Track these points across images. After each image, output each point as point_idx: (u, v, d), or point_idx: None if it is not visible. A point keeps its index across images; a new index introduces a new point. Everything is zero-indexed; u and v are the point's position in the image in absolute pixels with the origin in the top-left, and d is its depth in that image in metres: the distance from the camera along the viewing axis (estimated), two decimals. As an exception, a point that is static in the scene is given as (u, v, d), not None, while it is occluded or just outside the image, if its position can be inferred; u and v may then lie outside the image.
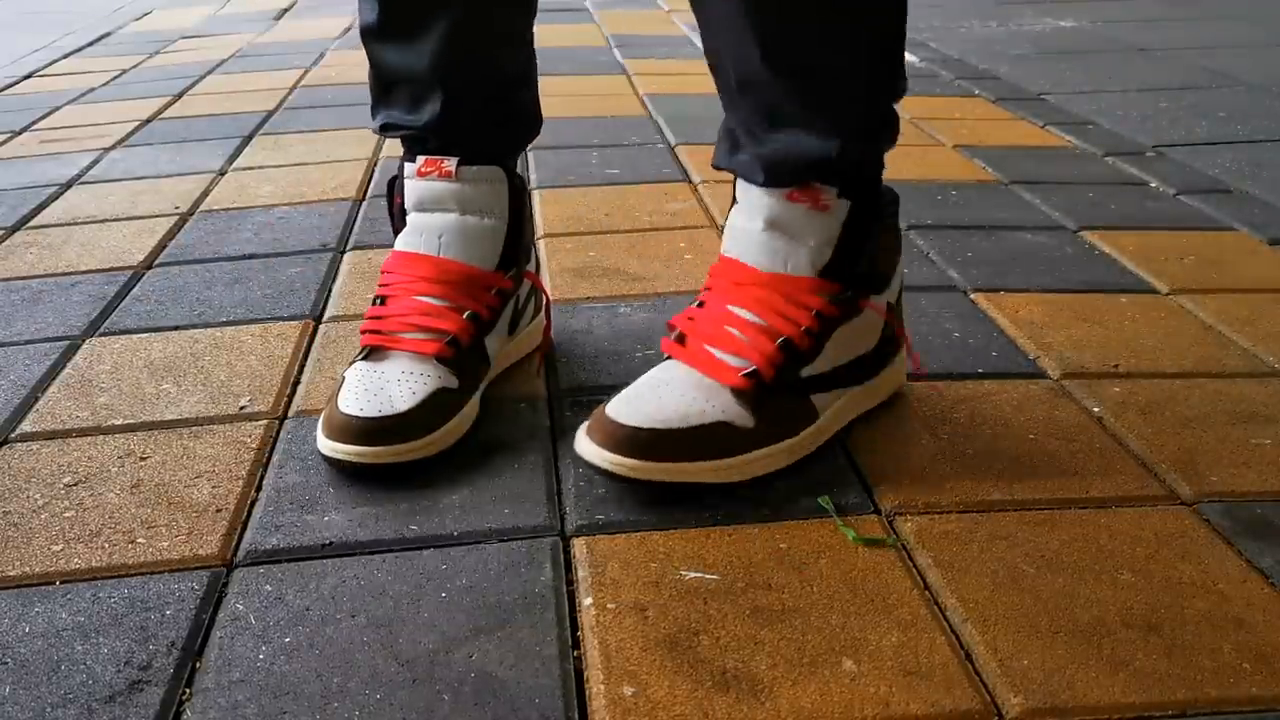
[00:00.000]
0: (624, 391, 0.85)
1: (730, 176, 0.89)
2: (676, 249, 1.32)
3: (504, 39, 0.97)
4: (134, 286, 1.24)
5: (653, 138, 1.81)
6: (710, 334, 0.85)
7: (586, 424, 0.83)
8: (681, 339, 0.87)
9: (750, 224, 0.86)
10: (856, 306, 0.87)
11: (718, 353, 0.84)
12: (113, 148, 1.84)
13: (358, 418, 0.84)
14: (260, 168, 1.70)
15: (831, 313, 0.85)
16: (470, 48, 0.93)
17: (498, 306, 0.95)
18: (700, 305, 0.88)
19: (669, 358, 0.87)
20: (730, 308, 0.86)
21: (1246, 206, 1.48)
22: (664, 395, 0.83)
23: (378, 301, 0.94)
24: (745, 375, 0.83)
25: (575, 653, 0.68)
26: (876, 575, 0.74)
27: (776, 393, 0.84)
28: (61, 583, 0.75)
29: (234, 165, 1.71)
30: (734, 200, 0.89)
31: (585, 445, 0.82)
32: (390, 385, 0.86)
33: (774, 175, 0.85)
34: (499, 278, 0.95)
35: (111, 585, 0.74)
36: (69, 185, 1.63)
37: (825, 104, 0.83)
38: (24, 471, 0.88)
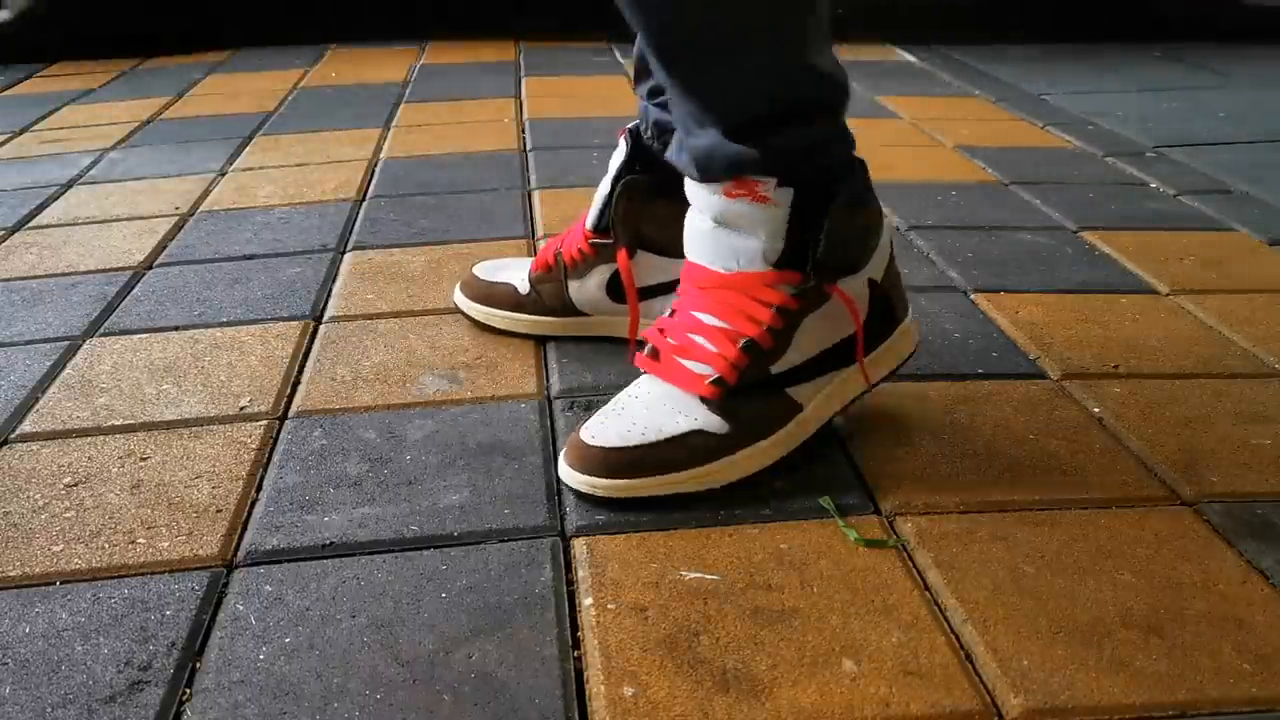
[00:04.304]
0: (599, 412, 0.86)
1: None
2: (676, 249, 1.32)
3: None
4: (134, 287, 1.24)
5: (653, 138, 1.81)
6: (679, 345, 0.86)
7: (565, 448, 0.84)
8: (655, 354, 0.87)
9: (701, 223, 0.86)
10: (822, 293, 0.84)
11: (687, 363, 0.85)
12: (113, 148, 1.84)
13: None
14: (260, 168, 1.70)
15: (793, 305, 0.84)
16: None
17: (578, 259, 1.05)
18: (671, 314, 0.88)
19: (644, 372, 0.87)
20: (695, 314, 0.86)
21: (1246, 206, 1.48)
22: (636, 412, 0.84)
23: None
24: (711, 383, 0.83)
25: (575, 653, 0.68)
26: (876, 576, 0.74)
27: (747, 394, 0.84)
28: (61, 583, 0.75)
29: (234, 165, 1.71)
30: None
31: (564, 470, 0.84)
32: None
33: (705, 171, 0.84)
34: (585, 237, 1.05)
35: (111, 585, 0.74)
36: (69, 185, 1.63)
37: (712, 104, 0.81)
38: (24, 471, 0.88)
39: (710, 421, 0.83)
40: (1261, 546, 0.77)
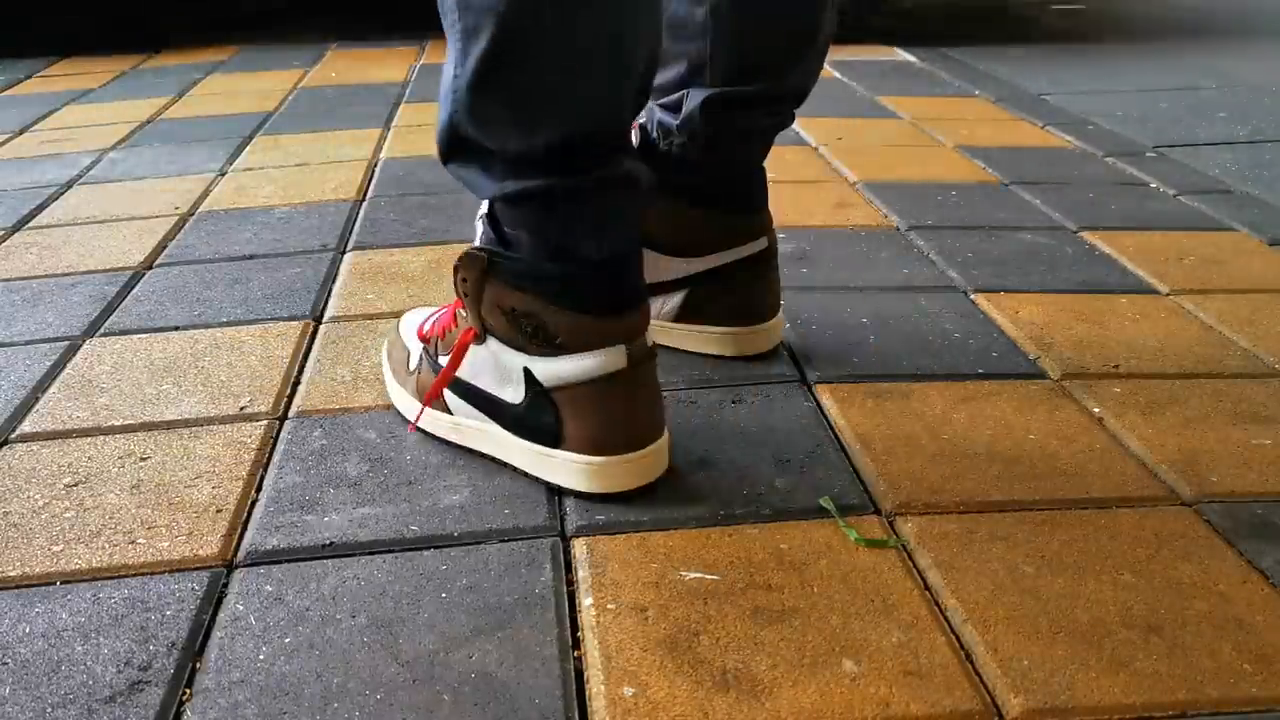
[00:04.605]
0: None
1: None
2: (676, 249, 1.32)
3: None
4: (134, 286, 1.24)
5: (653, 138, 1.81)
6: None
7: None
8: None
9: None
10: (456, 338, 0.86)
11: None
12: (113, 148, 1.84)
13: None
14: (260, 168, 1.70)
15: (457, 320, 0.87)
16: None
17: None
18: None
19: None
20: None
21: (1246, 206, 1.48)
22: (438, 317, 0.92)
23: None
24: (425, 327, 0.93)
25: (575, 653, 0.68)
26: (877, 576, 0.74)
27: (431, 359, 0.90)
28: (61, 583, 0.75)
29: (234, 165, 1.71)
30: None
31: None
32: None
33: None
34: None
35: (111, 585, 0.74)
36: (69, 185, 1.63)
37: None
38: (24, 471, 0.88)
39: (413, 355, 0.93)
40: (1261, 546, 0.77)
